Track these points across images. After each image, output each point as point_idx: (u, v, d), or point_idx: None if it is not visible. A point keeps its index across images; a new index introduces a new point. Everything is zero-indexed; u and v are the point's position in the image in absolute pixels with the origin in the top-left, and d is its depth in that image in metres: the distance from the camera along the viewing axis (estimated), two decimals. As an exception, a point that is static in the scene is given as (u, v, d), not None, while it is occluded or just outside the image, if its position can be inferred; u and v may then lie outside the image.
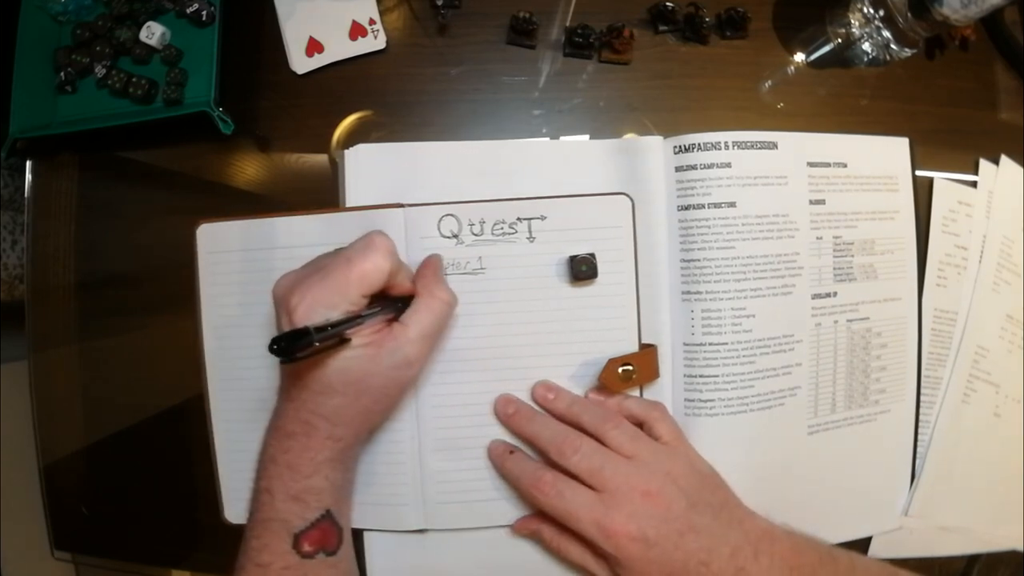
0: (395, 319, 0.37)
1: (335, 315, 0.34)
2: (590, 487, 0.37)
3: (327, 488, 0.36)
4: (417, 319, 0.37)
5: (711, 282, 0.42)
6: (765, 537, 0.38)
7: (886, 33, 0.47)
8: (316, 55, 0.46)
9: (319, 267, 0.36)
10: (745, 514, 0.40)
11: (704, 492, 0.39)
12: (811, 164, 0.44)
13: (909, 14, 0.45)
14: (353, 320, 0.34)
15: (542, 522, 0.41)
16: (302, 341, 0.30)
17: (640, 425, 0.41)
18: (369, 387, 0.36)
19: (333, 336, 0.33)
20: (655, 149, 0.43)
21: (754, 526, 0.39)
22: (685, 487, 0.38)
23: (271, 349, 0.30)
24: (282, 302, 0.35)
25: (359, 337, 0.35)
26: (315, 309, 0.33)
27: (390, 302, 0.37)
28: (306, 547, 0.35)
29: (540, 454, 0.41)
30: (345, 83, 0.46)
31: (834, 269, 0.44)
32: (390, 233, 0.41)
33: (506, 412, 0.42)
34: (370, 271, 0.35)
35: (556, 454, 0.39)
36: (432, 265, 0.40)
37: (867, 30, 0.47)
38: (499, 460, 0.41)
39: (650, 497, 0.37)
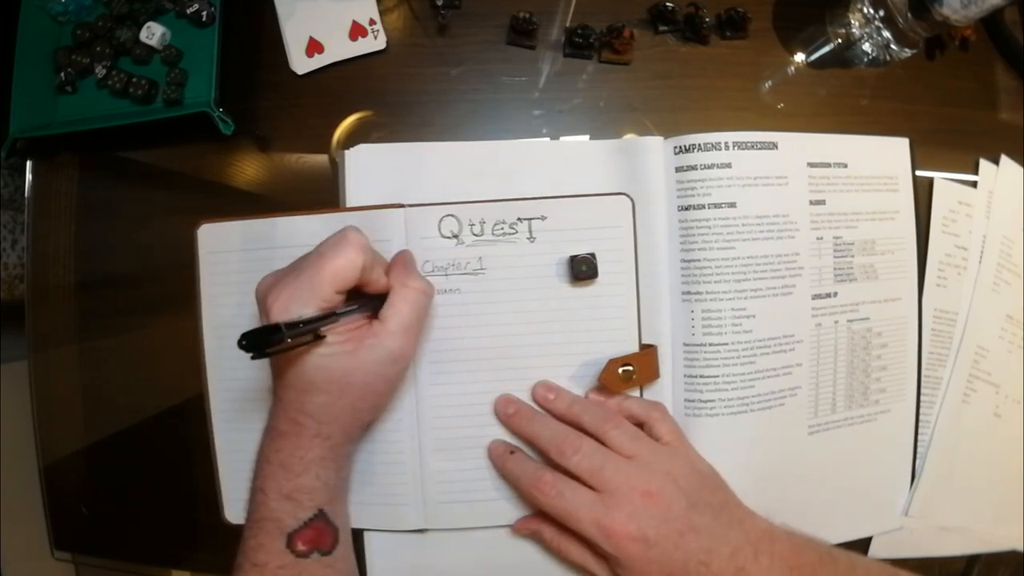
0: (375, 316, 0.37)
1: (308, 312, 0.34)
2: (590, 487, 0.37)
3: (319, 487, 0.36)
4: (395, 312, 0.36)
5: (711, 282, 0.42)
6: (765, 537, 0.38)
7: (886, 33, 0.47)
8: (316, 55, 0.46)
9: (295, 266, 0.36)
10: (745, 514, 0.40)
11: (704, 492, 0.39)
12: (811, 164, 0.44)
13: (909, 14, 0.45)
14: (327, 317, 0.34)
15: (542, 522, 0.41)
16: (273, 337, 0.30)
17: (640, 425, 0.41)
18: (352, 384, 0.36)
19: (305, 332, 0.33)
20: (655, 149, 0.43)
21: (754, 526, 0.39)
22: (685, 487, 0.38)
23: (240, 344, 0.30)
24: (261, 301, 0.36)
25: (337, 335, 0.35)
26: (289, 307, 0.34)
27: (368, 300, 0.37)
28: (300, 546, 0.35)
29: (540, 454, 0.41)
30: (345, 83, 0.46)
31: (834, 269, 0.44)
32: (391, 233, 0.41)
33: (506, 412, 0.42)
34: (342, 267, 0.34)
35: (556, 454, 0.39)
36: (402, 258, 0.40)
37: (867, 30, 0.47)
38: (499, 460, 0.41)
39: (650, 497, 0.37)
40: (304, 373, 0.35)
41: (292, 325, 0.32)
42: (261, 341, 0.30)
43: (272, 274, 0.37)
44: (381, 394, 0.39)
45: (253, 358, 0.31)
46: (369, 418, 0.40)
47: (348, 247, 0.35)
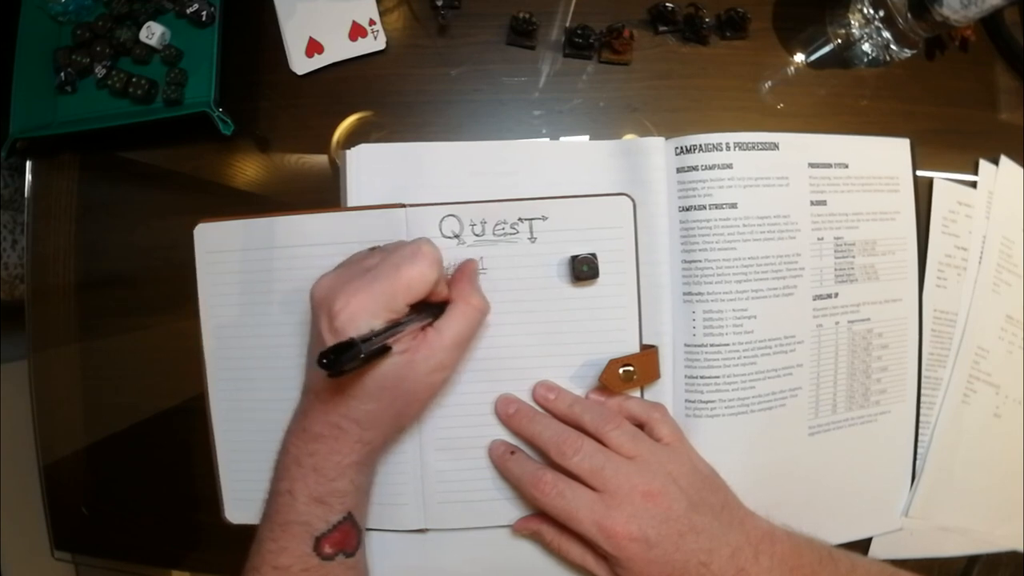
0: (430, 325, 0.37)
1: (378, 324, 0.33)
2: (591, 487, 0.37)
3: (351, 491, 0.36)
4: (452, 325, 0.36)
5: (712, 283, 0.42)
6: (766, 538, 0.38)
7: (886, 34, 0.47)
8: (316, 55, 0.46)
9: (363, 270, 0.35)
10: (746, 515, 0.40)
11: (705, 493, 0.39)
12: (812, 165, 0.44)
13: (909, 15, 0.45)
14: (394, 328, 0.34)
15: (542, 522, 0.41)
16: (349, 354, 0.30)
17: (641, 426, 0.41)
18: (402, 392, 0.36)
19: (378, 346, 0.32)
20: (656, 150, 0.43)
21: (755, 527, 0.39)
22: (686, 488, 0.38)
23: (320, 363, 0.29)
24: (323, 305, 0.35)
25: (397, 344, 0.34)
26: (359, 316, 0.33)
27: (426, 308, 0.37)
28: (327, 549, 0.35)
29: (541, 454, 0.41)
30: (345, 83, 0.46)
31: (835, 270, 0.44)
32: (392, 233, 0.41)
33: (507, 412, 0.42)
34: (417, 280, 0.34)
35: (557, 454, 0.39)
36: (468, 271, 0.40)
37: (867, 31, 0.47)
38: (499, 460, 0.41)
39: (651, 497, 0.37)
40: (361, 381, 0.34)
41: (365, 339, 0.31)
42: (339, 359, 0.29)
43: (329, 276, 0.36)
44: (424, 402, 0.39)
45: (330, 376, 0.30)
46: (409, 424, 0.41)
47: (423, 260, 0.35)
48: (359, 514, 0.37)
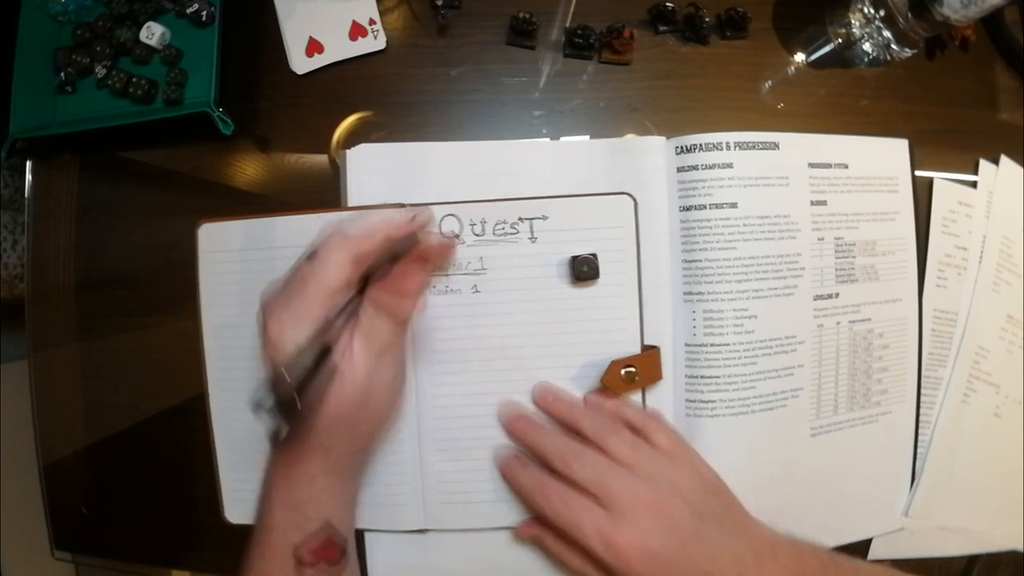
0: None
1: (303, 337, 0.33)
2: (594, 498, 0.37)
3: (325, 499, 0.36)
4: (362, 342, 0.35)
5: (713, 283, 0.42)
6: (768, 545, 0.38)
7: (886, 33, 0.47)
8: (316, 55, 0.46)
9: (288, 281, 0.35)
10: (749, 521, 0.39)
11: (708, 499, 0.38)
12: (812, 165, 0.44)
13: (909, 14, 0.45)
14: (321, 338, 0.33)
15: (544, 528, 0.40)
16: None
17: (636, 433, 0.41)
18: (344, 407, 0.35)
19: (308, 364, 0.32)
20: (657, 150, 0.43)
21: (757, 534, 0.38)
22: (689, 496, 0.38)
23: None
24: (260, 321, 0.35)
25: (335, 347, 0.34)
26: (285, 334, 0.33)
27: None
28: (306, 558, 0.35)
29: (542, 463, 0.41)
30: (345, 83, 0.46)
31: (836, 270, 0.44)
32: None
33: (508, 418, 0.41)
34: (330, 277, 0.33)
35: (560, 463, 0.38)
36: (401, 276, 0.37)
37: (867, 30, 0.47)
38: (506, 468, 0.41)
39: (654, 508, 0.36)
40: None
41: (291, 366, 0.31)
42: (277, 398, 0.30)
43: (273, 287, 0.36)
44: (379, 404, 0.38)
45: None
46: (367, 429, 0.39)
47: (332, 251, 0.34)
48: (340, 523, 0.37)
